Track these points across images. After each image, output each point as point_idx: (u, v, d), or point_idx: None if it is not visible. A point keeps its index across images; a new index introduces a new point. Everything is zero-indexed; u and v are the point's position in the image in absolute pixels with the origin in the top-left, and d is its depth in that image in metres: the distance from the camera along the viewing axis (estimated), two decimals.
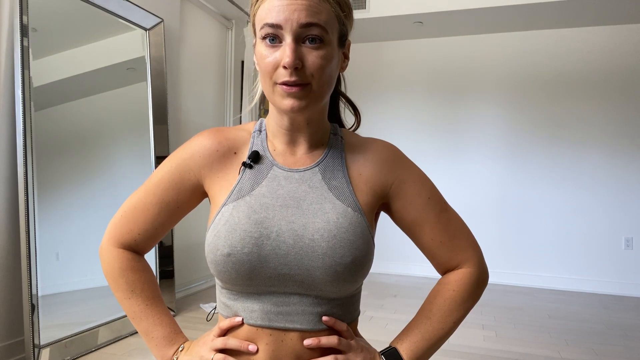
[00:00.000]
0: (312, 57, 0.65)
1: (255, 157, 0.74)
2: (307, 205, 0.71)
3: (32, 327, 2.05)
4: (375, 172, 0.76)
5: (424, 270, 4.46)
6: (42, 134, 2.19)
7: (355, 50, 4.74)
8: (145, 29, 2.91)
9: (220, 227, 0.70)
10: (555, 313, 3.31)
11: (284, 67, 0.65)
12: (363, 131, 4.59)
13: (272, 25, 0.65)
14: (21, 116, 2.07)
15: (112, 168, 2.64)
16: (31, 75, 2.14)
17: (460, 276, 0.78)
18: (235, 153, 0.76)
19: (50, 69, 2.28)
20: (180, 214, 0.79)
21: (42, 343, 2.09)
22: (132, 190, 2.77)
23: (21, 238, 2.05)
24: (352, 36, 4.50)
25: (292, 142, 0.75)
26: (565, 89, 4.17)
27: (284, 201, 0.71)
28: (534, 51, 4.24)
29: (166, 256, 2.98)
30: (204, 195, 0.79)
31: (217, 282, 0.76)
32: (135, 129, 2.84)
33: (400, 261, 4.53)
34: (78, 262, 2.39)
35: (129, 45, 2.80)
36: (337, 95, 0.85)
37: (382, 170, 0.76)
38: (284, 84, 0.66)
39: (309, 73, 0.66)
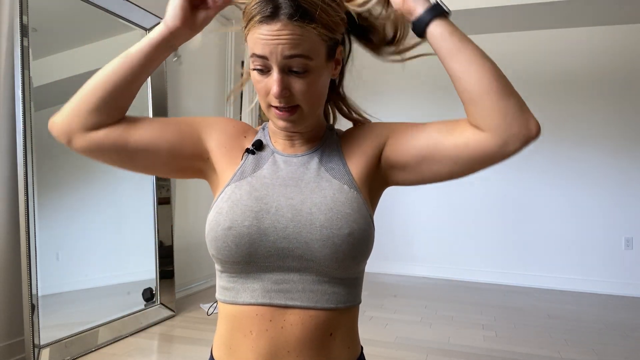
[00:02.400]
0: (299, 85, 0.69)
1: (259, 145, 0.79)
2: (305, 184, 0.74)
3: (32, 327, 2.05)
4: (365, 139, 0.80)
5: (424, 270, 4.46)
6: (42, 134, 2.19)
7: (355, 50, 4.72)
8: (145, 29, 2.91)
9: (223, 204, 0.73)
10: (555, 313, 3.31)
11: (273, 95, 0.69)
12: None
13: (259, 57, 0.69)
14: (21, 116, 2.07)
15: (111, 168, 2.64)
16: (31, 75, 2.14)
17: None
18: (245, 137, 0.82)
19: (50, 69, 2.28)
20: (176, 144, 0.78)
21: (42, 343, 2.09)
22: (132, 191, 2.78)
23: (21, 238, 2.05)
24: None
25: (291, 139, 0.80)
26: (565, 88, 4.17)
27: (284, 181, 0.75)
28: (534, 51, 4.24)
29: (166, 256, 2.98)
30: (202, 157, 0.80)
31: (217, 268, 0.78)
32: None
33: (400, 261, 4.53)
34: (78, 262, 2.39)
35: (129, 45, 2.79)
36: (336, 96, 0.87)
37: (370, 135, 0.80)
38: (276, 107, 0.71)
39: (298, 98, 0.70)
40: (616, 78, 4.05)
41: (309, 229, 0.69)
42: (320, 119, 0.81)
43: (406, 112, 4.56)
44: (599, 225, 4.06)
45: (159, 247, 2.93)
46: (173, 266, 3.02)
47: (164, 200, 2.99)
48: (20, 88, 2.07)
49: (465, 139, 0.75)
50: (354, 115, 0.86)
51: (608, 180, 4.05)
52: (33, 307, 2.06)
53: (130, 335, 2.56)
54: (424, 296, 3.68)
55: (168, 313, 2.91)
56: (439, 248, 4.45)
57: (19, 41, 2.08)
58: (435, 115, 4.77)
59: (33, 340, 2.05)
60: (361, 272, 0.78)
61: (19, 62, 2.07)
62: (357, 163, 0.78)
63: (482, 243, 4.33)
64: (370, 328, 2.74)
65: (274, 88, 0.68)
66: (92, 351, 2.31)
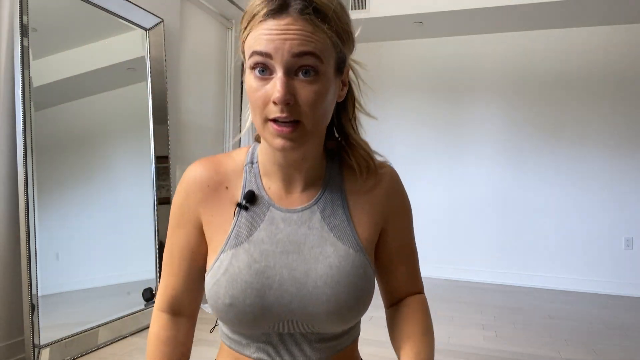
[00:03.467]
0: (306, 92, 0.60)
1: (251, 198, 0.70)
2: (308, 249, 0.68)
3: (32, 327, 2.05)
4: (376, 203, 0.73)
5: (425, 270, 4.44)
6: (42, 134, 2.19)
7: (355, 50, 4.73)
8: (145, 29, 2.91)
9: (220, 276, 0.67)
10: (555, 313, 3.31)
11: (274, 103, 0.59)
12: (362, 134, 4.57)
13: (261, 54, 0.59)
14: (21, 116, 2.07)
15: (112, 168, 2.64)
16: (31, 75, 2.14)
17: (420, 300, 0.81)
18: (227, 187, 0.71)
19: (50, 69, 2.28)
20: (200, 258, 0.74)
21: (42, 343, 2.09)
22: (132, 191, 2.78)
23: (21, 238, 2.05)
24: None
25: (287, 180, 0.71)
26: (565, 88, 4.17)
27: (284, 246, 0.68)
28: (534, 51, 4.24)
29: None
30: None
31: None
32: (135, 129, 2.84)
33: None
34: (78, 262, 2.39)
35: (129, 45, 2.80)
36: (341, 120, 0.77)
37: (382, 200, 0.74)
38: (275, 120, 0.61)
39: (301, 109, 0.60)
40: (616, 78, 4.05)
41: (314, 304, 0.66)
42: (321, 150, 0.72)
43: (406, 112, 4.56)
44: (599, 225, 4.06)
45: (159, 247, 2.93)
46: None
47: (164, 200, 2.99)
48: (20, 88, 2.07)
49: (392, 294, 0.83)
50: (363, 163, 0.74)
51: (608, 180, 4.05)
52: (33, 307, 2.06)
53: (130, 335, 2.56)
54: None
55: None
56: (439, 248, 4.45)
57: (19, 41, 2.07)
58: (435, 115, 4.77)
59: (33, 340, 2.05)
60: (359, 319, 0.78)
61: (19, 62, 2.07)
62: (363, 224, 0.72)
63: (482, 243, 4.33)
64: (370, 328, 2.74)
65: (277, 91, 0.58)
66: (92, 351, 2.31)
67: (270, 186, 0.71)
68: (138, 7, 2.78)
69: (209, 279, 0.69)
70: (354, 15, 4.03)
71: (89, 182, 2.48)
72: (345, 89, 0.72)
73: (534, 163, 4.22)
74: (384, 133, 4.59)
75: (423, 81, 4.54)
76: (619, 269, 3.99)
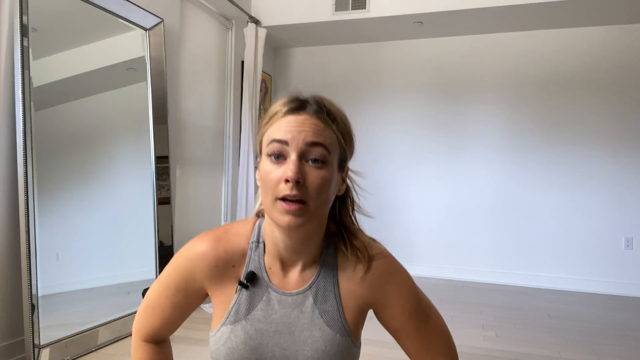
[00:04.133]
0: (314, 175, 0.70)
1: (252, 279, 0.78)
2: (299, 332, 0.77)
3: (32, 327, 2.05)
4: (365, 290, 0.80)
5: (425, 270, 4.46)
6: (42, 134, 2.19)
7: (356, 50, 4.74)
8: (145, 29, 2.91)
9: (220, 346, 0.78)
10: (555, 313, 3.31)
11: (286, 181, 0.69)
12: (363, 134, 4.59)
13: (280, 141, 0.70)
14: (21, 116, 2.07)
15: (112, 168, 2.64)
16: (31, 75, 2.14)
17: None
18: (233, 266, 0.80)
19: (50, 69, 2.28)
20: (191, 309, 0.86)
21: (42, 343, 2.09)
22: (132, 191, 2.78)
23: (21, 238, 2.05)
24: (352, 36, 4.50)
25: (287, 262, 0.79)
26: (565, 89, 4.17)
27: (277, 327, 0.77)
28: (534, 51, 4.24)
29: (166, 256, 2.98)
30: (207, 295, 0.85)
31: None
32: (135, 129, 2.84)
33: (400, 261, 4.51)
34: (78, 262, 2.39)
35: (129, 45, 2.80)
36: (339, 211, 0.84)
37: (372, 287, 0.80)
38: (284, 198, 0.69)
39: (308, 191, 0.70)
40: (616, 78, 4.05)
41: None
42: (321, 237, 0.80)
43: (406, 112, 4.56)
44: (599, 225, 4.06)
45: (159, 247, 2.93)
46: None
47: (164, 200, 2.99)
48: (20, 88, 2.07)
49: None
50: (357, 254, 0.81)
51: (608, 180, 4.05)
52: (33, 307, 2.06)
53: (130, 335, 2.56)
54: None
55: None
56: (439, 248, 4.45)
57: (19, 41, 2.08)
58: (435, 115, 4.77)
59: (33, 340, 2.05)
60: None
61: (19, 62, 2.07)
62: (351, 309, 0.79)
63: (482, 243, 4.33)
64: (370, 328, 2.74)
65: (290, 171, 0.68)
66: (92, 351, 2.31)
67: (272, 266, 0.80)
68: (138, 7, 2.78)
69: (212, 343, 0.79)
70: (354, 15, 4.04)
71: (89, 182, 2.48)
72: (345, 185, 0.81)
73: (534, 163, 4.22)
74: (383, 133, 4.59)
75: (423, 81, 4.54)
76: (619, 269, 3.99)
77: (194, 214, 3.67)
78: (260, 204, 0.79)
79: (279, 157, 0.70)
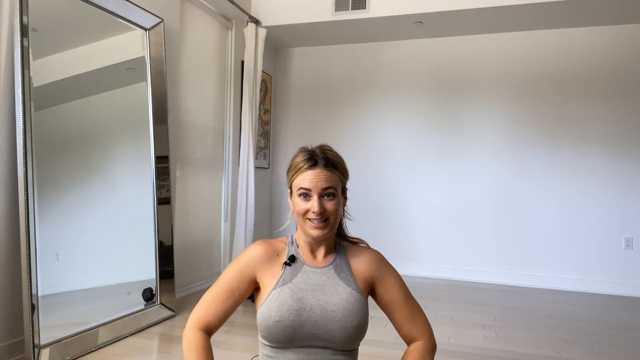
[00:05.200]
0: (329, 205, 1.12)
1: (292, 259, 1.18)
2: (327, 289, 1.14)
3: (32, 327, 2.05)
4: (366, 269, 1.20)
5: (425, 270, 4.46)
6: (42, 134, 2.19)
7: (356, 50, 4.74)
8: (145, 29, 2.91)
9: (272, 303, 1.10)
10: (555, 313, 3.31)
11: (313, 212, 1.11)
12: (363, 134, 4.59)
13: (306, 189, 1.12)
14: (21, 116, 2.07)
15: (112, 168, 2.64)
16: (31, 75, 2.14)
17: (419, 346, 1.20)
18: (277, 255, 1.19)
19: (50, 69, 2.28)
20: (240, 299, 1.18)
21: (42, 343, 2.09)
22: (132, 191, 2.78)
23: (21, 238, 2.05)
24: (352, 36, 4.51)
25: (314, 251, 1.20)
26: (565, 89, 4.17)
27: (313, 286, 1.14)
28: (534, 51, 4.24)
29: (166, 256, 2.98)
30: (256, 284, 1.18)
31: (261, 341, 1.15)
32: (135, 129, 2.84)
33: (400, 261, 4.53)
34: (78, 262, 2.39)
35: (129, 45, 2.80)
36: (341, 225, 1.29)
37: (370, 268, 1.21)
38: (311, 221, 1.12)
39: (327, 214, 1.12)
40: (616, 78, 4.05)
41: (331, 322, 1.09)
42: (333, 236, 1.22)
43: (406, 112, 4.56)
44: (598, 225, 4.06)
45: (159, 247, 2.93)
46: (173, 266, 3.02)
47: (164, 200, 2.99)
48: (20, 88, 2.07)
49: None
50: (349, 239, 1.29)
51: (608, 180, 4.05)
52: (33, 307, 2.06)
53: (130, 335, 2.56)
54: (424, 296, 3.69)
55: (168, 313, 2.91)
56: (439, 248, 4.45)
57: (19, 41, 2.08)
58: (435, 115, 4.78)
59: (33, 340, 2.05)
60: (358, 344, 1.18)
61: (19, 62, 2.07)
62: (360, 279, 1.19)
63: (482, 243, 4.33)
64: (370, 328, 2.74)
65: (315, 207, 1.10)
66: (92, 351, 2.31)
67: (304, 254, 1.20)
68: (138, 7, 2.78)
69: (262, 309, 1.11)
70: (354, 15, 4.04)
71: (89, 182, 2.48)
72: (346, 202, 1.23)
73: (534, 163, 4.22)
74: (383, 133, 4.59)
75: (423, 81, 4.54)
76: (619, 269, 3.99)
77: (194, 214, 3.67)
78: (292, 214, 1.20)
79: (306, 196, 1.12)
